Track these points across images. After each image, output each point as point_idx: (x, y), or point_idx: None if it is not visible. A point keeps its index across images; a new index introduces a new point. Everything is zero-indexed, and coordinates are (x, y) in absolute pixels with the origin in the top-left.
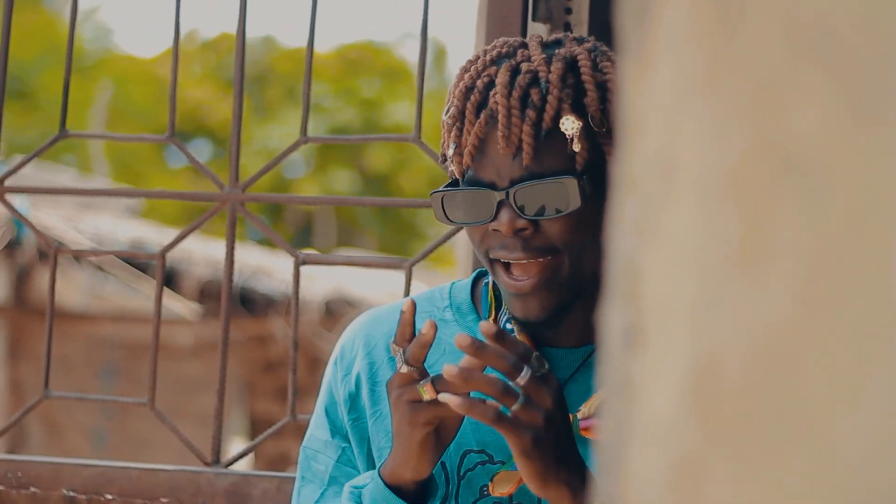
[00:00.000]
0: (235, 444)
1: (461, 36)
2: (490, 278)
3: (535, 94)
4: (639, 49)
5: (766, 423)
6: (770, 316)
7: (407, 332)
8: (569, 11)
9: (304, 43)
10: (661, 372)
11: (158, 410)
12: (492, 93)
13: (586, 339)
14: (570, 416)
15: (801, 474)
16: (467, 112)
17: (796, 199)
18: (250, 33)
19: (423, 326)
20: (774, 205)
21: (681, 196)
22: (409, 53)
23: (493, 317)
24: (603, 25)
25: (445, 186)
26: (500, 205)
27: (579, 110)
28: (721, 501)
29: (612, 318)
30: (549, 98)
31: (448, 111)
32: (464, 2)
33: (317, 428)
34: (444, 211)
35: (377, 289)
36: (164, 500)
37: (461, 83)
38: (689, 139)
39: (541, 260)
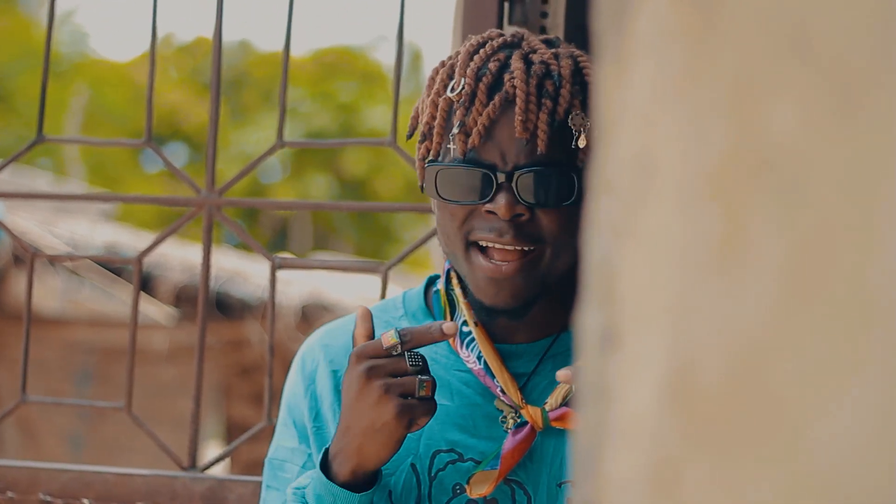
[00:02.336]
0: (211, 449)
1: (437, 40)
2: (440, 284)
3: (549, 85)
4: (616, 50)
5: (744, 424)
6: (748, 317)
7: (365, 330)
8: (545, 15)
9: (280, 47)
10: (639, 374)
11: (135, 415)
12: (507, 76)
13: (544, 333)
14: (539, 409)
15: (780, 476)
16: (479, 93)
17: (775, 199)
18: (226, 37)
19: (445, 326)
20: (753, 205)
21: (659, 196)
22: (385, 57)
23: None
24: (579, 28)
25: (436, 162)
26: (500, 188)
27: (586, 109)
28: (698, 503)
29: (589, 319)
30: (563, 91)
31: (454, 90)
32: (439, 6)
33: (283, 439)
34: (436, 186)
35: (353, 293)
36: None
37: (471, 63)
38: (667, 139)
39: (526, 249)
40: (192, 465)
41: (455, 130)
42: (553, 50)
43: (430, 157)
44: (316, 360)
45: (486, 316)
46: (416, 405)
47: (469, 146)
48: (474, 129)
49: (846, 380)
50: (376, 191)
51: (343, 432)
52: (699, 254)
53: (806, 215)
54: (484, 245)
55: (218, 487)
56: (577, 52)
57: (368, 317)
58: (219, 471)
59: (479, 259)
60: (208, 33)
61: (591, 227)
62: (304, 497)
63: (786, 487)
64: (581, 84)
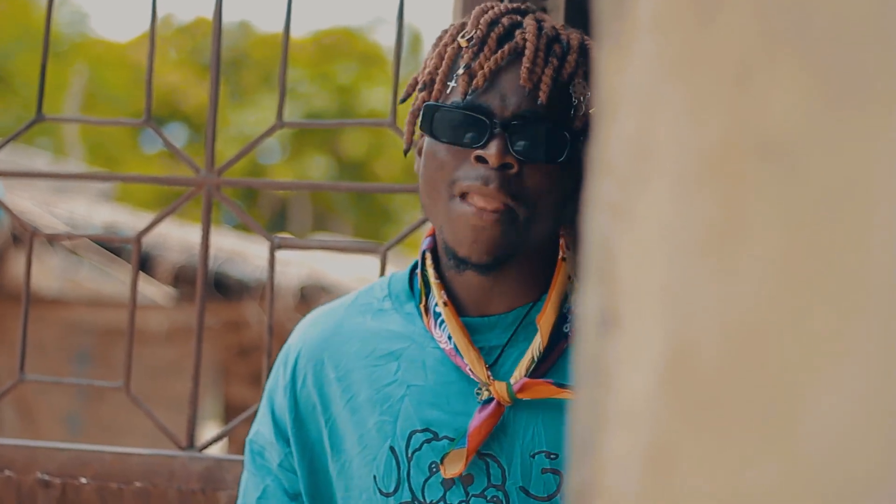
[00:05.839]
0: (209, 429)
1: (436, 22)
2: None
3: (557, 48)
4: (616, 34)
5: (741, 406)
6: (745, 299)
7: None
8: None
9: (279, 28)
10: (636, 355)
11: (134, 394)
12: (518, 32)
13: (519, 302)
14: (504, 383)
15: (777, 458)
16: (489, 40)
17: (771, 184)
18: (226, 18)
19: None
20: (750, 189)
21: (656, 179)
22: (385, 39)
23: (423, 302)
24: (579, 11)
25: (435, 103)
26: (494, 135)
27: (588, 82)
28: (696, 485)
29: (588, 301)
30: (569, 58)
31: (464, 36)
32: None
33: (262, 425)
34: (431, 125)
35: (352, 274)
36: (138, 483)
37: (485, 16)
38: (665, 123)
39: (507, 204)
40: (190, 444)
41: (460, 71)
42: (561, 24)
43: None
44: (299, 352)
45: (455, 266)
46: None
47: (472, 87)
48: (479, 73)
49: (842, 362)
50: (375, 172)
51: None
52: (697, 236)
53: (802, 199)
54: (468, 196)
55: (216, 467)
56: (583, 33)
57: None
58: (217, 451)
59: (462, 206)
60: (208, 14)
61: (590, 210)
62: None
63: (782, 469)
64: (585, 58)
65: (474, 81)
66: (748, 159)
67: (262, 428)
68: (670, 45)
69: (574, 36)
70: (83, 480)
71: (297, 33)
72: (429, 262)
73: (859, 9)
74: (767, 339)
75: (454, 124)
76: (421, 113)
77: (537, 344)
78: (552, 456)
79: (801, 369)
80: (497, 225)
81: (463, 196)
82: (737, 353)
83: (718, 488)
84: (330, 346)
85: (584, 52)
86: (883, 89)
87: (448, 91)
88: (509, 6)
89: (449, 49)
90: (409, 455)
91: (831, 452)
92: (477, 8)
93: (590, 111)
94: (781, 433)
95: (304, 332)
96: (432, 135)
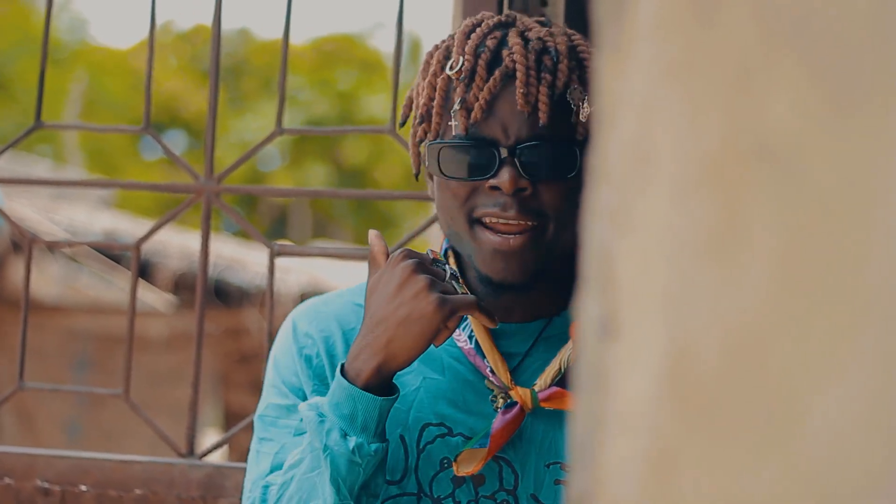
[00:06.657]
0: (209, 436)
1: (436, 28)
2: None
3: (547, 60)
4: (615, 38)
5: (741, 411)
6: (745, 304)
7: (383, 247)
8: (544, 3)
9: (279, 35)
10: (636, 361)
11: (133, 402)
12: (506, 52)
13: (539, 314)
14: (528, 390)
15: (777, 462)
16: (479, 69)
17: (771, 188)
18: (226, 25)
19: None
20: (749, 193)
21: (656, 184)
22: (385, 45)
23: None
24: (578, 15)
25: (437, 141)
26: (503, 162)
27: (583, 84)
28: (697, 491)
29: (587, 307)
30: (560, 66)
31: (452, 68)
32: None
33: (274, 397)
34: (438, 164)
35: (352, 281)
36: (138, 491)
37: (469, 42)
38: (664, 128)
39: (530, 223)
40: (190, 452)
41: (456, 107)
42: (546, 28)
43: (430, 138)
44: (307, 324)
45: (492, 292)
46: (455, 299)
47: (471, 121)
48: (476, 105)
49: (842, 366)
50: (375, 179)
51: (371, 327)
52: (696, 242)
53: (802, 203)
54: (488, 221)
55: (216, 474)
56: (570, 30)
57: (381, 237)
58: (216, 458)
59: (486, 234)
60: (208, 21)
61: (589, 216)
62: (318, 409)
63: (781, 473)
64: (576, 60)
65: (472, 115)
66: (747, 162)
67: (272, 399)
68: (669, 49)
69: (560, 40)
70: (83, 488)
71: (296, 40)
72: (451, 261)
73: (858, 10)
74: (767, 344)
75: (461, 159)
76: (426, 153)
77: (567, 355)
78: (567, 468)
79: (801, 373)
80: (525, 247)
81: (484, 222)
82: (736, 357)
83: (719, 493)
84: (340, 320)
85: (574, 55)
86: (882, 91)
87: (446, 125)
88: (492, 21)
89: (439, 80)
90: (421, 447)
91: (831, 456)
92: (458, 31)
93: (591, 112)
94: (781, 437)
95: (311, 306)
96: (443, 174)
